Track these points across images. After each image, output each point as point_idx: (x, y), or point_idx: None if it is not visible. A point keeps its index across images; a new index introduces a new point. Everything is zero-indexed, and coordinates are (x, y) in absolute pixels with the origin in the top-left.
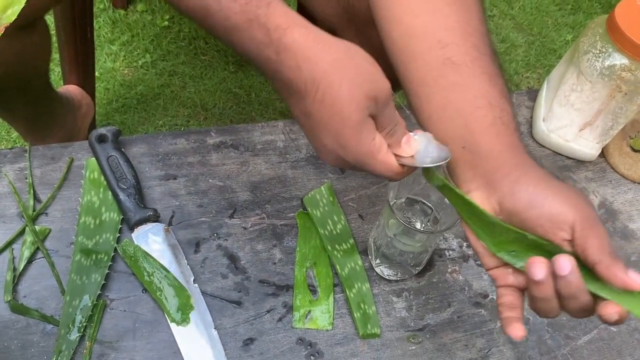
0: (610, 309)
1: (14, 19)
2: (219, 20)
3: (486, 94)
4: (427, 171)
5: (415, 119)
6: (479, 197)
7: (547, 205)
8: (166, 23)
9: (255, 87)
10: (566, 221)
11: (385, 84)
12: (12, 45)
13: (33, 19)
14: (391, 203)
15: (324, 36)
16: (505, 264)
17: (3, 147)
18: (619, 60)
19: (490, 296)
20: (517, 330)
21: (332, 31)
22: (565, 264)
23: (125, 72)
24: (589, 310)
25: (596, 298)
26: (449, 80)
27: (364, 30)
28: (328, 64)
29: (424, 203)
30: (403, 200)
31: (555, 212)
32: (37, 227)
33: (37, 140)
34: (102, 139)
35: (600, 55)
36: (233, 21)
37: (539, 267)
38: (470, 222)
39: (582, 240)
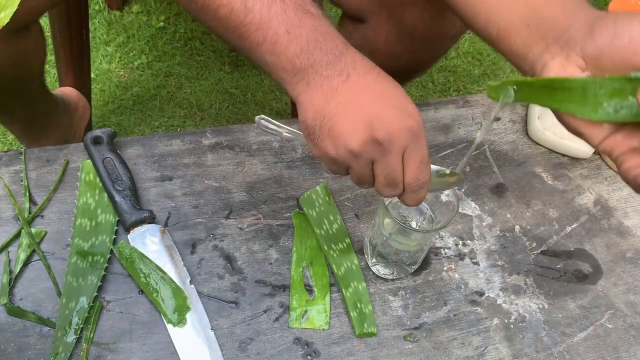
0: None
1: (7, 21)
2: None
3: None
4: (493, 90)
5: (474, 31)
6: (558, 64)
7: (635, 28)
8: (162, 24)
9: (251, 87)
10: None
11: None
12: (7, 49)
13: (28, 23)
14: (386, 202)
15: None
16: (615, 131)
17: None
18: None
19: (487, 294)
20: None
21: (359, 16)
22: None
23: (121, 73)
24: None
25: None
26: None
27: (396, 13)
28: None
29: None
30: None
31: None
32: (33, 230)
33: (33, 143)
34: (97, 140)
35: None
36: None
37: None
38: (562, 104)
39: None
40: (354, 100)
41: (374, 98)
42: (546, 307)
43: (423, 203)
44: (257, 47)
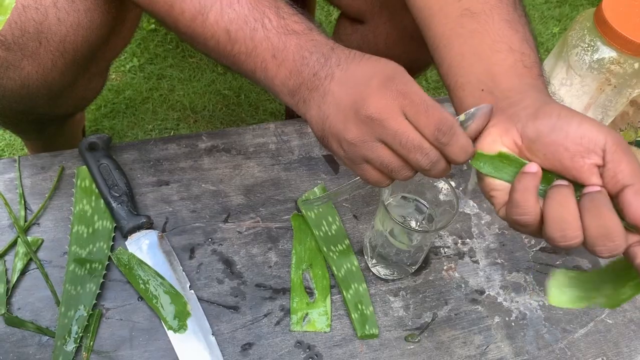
0: None
1: (0, 28)
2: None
3: (506, 39)
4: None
5: (439, 74)
6: (495, 133)
7: (573, 127)
8: (152, 26)
9: (244, 88)
10: (597, 142)
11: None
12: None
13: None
14: (385, 203)
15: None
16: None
17: None
18: (607, 53)
19: (487, 292)
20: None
21: (359, 17)
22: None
23: (113, 76)
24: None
25: None
26: (466, 29)
27: (397, 14)
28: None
29: (419, 201)
30: (398, 198)
31: (584, 133)
32: (29, 238)
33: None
34: (92, 146)
35: (589, 49)
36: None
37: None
38: (501, 174)
39: (615, 164)
40: (339, 95)
41: (355, 84)
42: (546, 304)
43: (423, 202)
44: (252, 74)
